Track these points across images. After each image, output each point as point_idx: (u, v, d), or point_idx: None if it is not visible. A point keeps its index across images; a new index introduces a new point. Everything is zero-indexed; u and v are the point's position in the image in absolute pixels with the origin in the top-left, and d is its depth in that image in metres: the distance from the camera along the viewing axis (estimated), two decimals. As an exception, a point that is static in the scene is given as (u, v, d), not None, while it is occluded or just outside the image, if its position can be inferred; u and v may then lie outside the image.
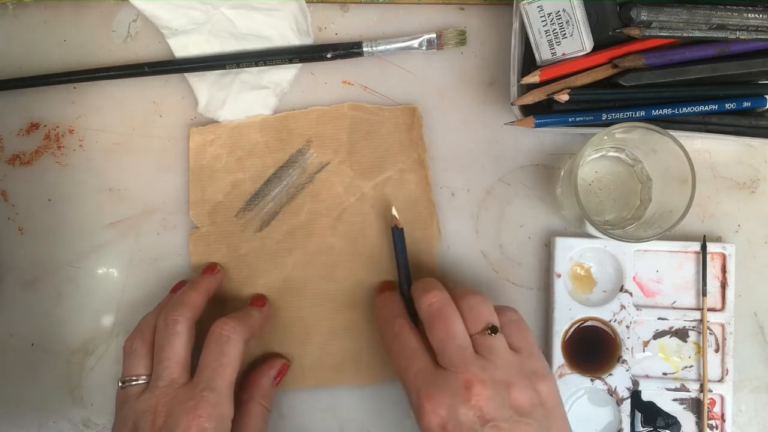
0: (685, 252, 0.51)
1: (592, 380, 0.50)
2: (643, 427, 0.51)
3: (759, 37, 0.45)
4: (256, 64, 0.50)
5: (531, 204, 0.52)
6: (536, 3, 0.45)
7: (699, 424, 0.50)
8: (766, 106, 0.48)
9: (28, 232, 0.51)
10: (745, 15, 0.44)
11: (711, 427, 0.50)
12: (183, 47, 0.50)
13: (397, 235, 0.49)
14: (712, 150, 0.52)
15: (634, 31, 0.45)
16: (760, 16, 0.44)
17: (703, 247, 0.51)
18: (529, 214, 0.52)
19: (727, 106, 0.47)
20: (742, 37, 0.45)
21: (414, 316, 0.46)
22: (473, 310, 0.43)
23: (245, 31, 0.50)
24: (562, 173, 0.51)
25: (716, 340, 0.51)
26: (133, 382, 0.44)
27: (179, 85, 0.52)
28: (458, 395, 0.40)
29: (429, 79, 0.52)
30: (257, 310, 0.49)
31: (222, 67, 0.50)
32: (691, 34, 0.45)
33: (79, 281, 0.51)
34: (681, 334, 0.51)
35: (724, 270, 0.51)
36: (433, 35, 0.50)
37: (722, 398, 0.50)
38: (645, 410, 0.51)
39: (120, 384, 0.44)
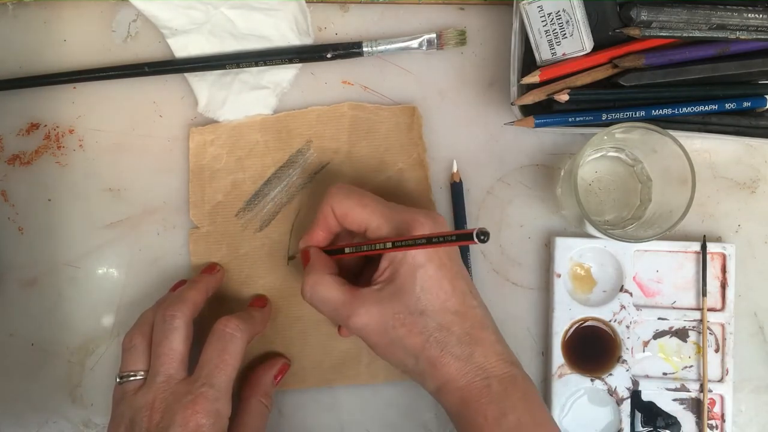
0: (685, 252, 0.51)
1: (592, 380, 0.50)
2: (643, 427, 0.51)
3: (759, 37, 0.45)
4: (256, 64, 0.50)
5: (531, 204, 0.52)
6: (536, 3, 0.45)
7: (699, 424, 0.50)
8: (766, 106, 0.48)
9: (28, 232, 0.51)
10: (745, 15, 0.44)
11: (711, 427, 0.50)
12: (183, 47, 0.50)
13: (456, 188, 0.51)
14: (712, 150, 0.52)
15: (634, 31, 0.45)
16: (760, 16, 0.44)
17: (703, 247, 0.51)
18: (529, 214, 0.52)
19: (727, 106, 0.47)
20: (742, 37, 0.45)
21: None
22: None
23: (245, 31, 0.50)
24: (562, 173, 0.51)
25: (716, 340, 0.51)
26: (131, 378, 0.44)
27: (179, 85, 0.52)
28: None
29: (429, 79, 0.52)
30: (258, 311, 0.49)
31: (222, 67, 0.50)
32: (691, 34, 0.45)
33: (79, 281, 0.51)
34: (681, 334, 0.51)
35: (724, 270, 0.51)
36: (433, 35, 0.50)
37: (722, 398, 0.50)
38: (645, 410, 0.51)
39: (118, 379, 0.45)
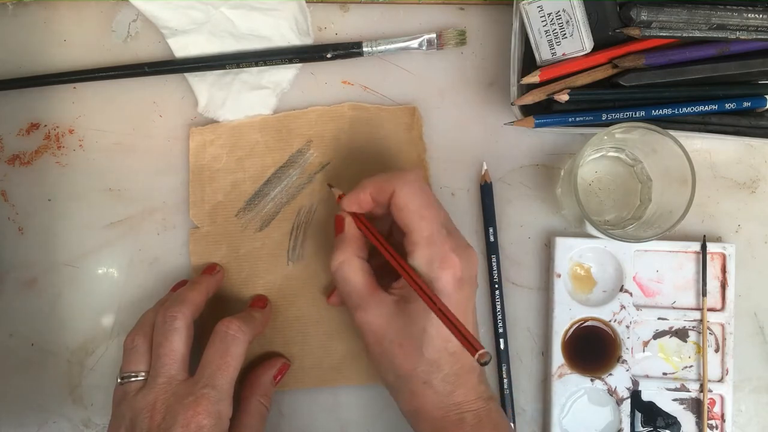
0: (685, 252, 0.51)
1: (592, 380, 0.50)
2: (643, 427, 0.51)
3: (759, 37, 0.45)
4: (256, 64, 0.50)
5: (531, 204, 0.52)
6: (536, 3, 0.45)
7: (699, 424, 0.50)
8: (766, 106, 0.48)
9: (28, 232, 0.51)
10: (745, 15, 0.44)
11: (711, 427, 0.50)
12: (183, 47, 0.50)
13: (485, 189, 0.51)
14: (712, 150, 0.52)
15: (634, 31, 0.45)
16: (760, 16, 0.44)
17: (703, 247, 0.51)
18: (529, 214, 0.52)
19: (727, 106, 0.47)
20: (742, 37, 0.45)
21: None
22: None
23: (245, 31, 0.50)
24: (562, 173, 0.51)
25: (716, 340, 0.51)
26: (132, 378, 0.44)
27: (179, 85, 0.52)
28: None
29: (429, 79, 0.52)
30: (259, 312, 0.49)
31: (222, 67, 0.50)
32: (691, 34, 0.45)
33: (79, 281, 0.51)
34: (681, 334, 0.51)
35: (724, 270, 0.51)
36: (433, 35, 0.50)
37: (722, 398, 0.51)
38: (645, 410, 0.51)
39: (119, 380, 0.45)
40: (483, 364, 0.37)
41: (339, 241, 0.45)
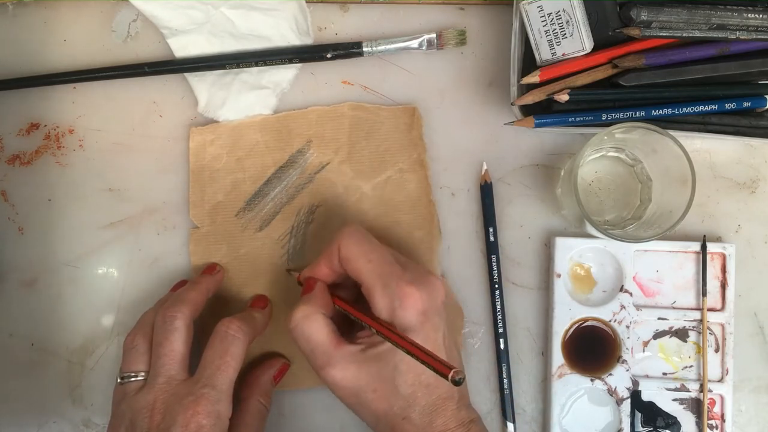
0: (685, 252, 0.51)
1: (592, 380, 0.50)
2: (643, 427, 0.51)
3: (759, 37, 0.45)
4: (256, 64, 0.50)
5: (531, 204, 0.52)
6: (536, 3, 0.45)
7: (699, 424, 0.50)
8: (766, 106, 0.48)
9: (28, 232, 0.51)
10: (745, 15, 0.44)
11: (711, 427, 0.50)
12: (183, 47, 0.50)
13: (485, 189, 0.51)
14: (712, 150, 0.52)
15: (634, 31, 0.45)
16: (760, 16, 0.44)
17: (703, 247, 0.51)
18: (529, 214, 0.52)
19: (727, 106, 0.47)
20: (742, 37, 0.45)
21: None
22: None
23: (245, 31, 0.50)
24: (562, 173, 0.51)
25: (716, 340, 0.51)
26: (132, 378, 0.44)
27: (179, 85, 0.52)
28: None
29: (429, 79, 0.52)
30: (259, 312, 0.49)
31: (222, 67, 0.50)
32: (691, 34, 0.45)
33: (79, 281, 0.51)
34: (681, 334, 0.51)
35: (724, 270, 0.51)
36: (433, 35, 0.50)
37: (722, 398, 0.51)
38: (645, 410, 0.51)
39: (119, 380, 0.45)
40: (458, 383, 0.37)
41: (305, 299, 0.45)
